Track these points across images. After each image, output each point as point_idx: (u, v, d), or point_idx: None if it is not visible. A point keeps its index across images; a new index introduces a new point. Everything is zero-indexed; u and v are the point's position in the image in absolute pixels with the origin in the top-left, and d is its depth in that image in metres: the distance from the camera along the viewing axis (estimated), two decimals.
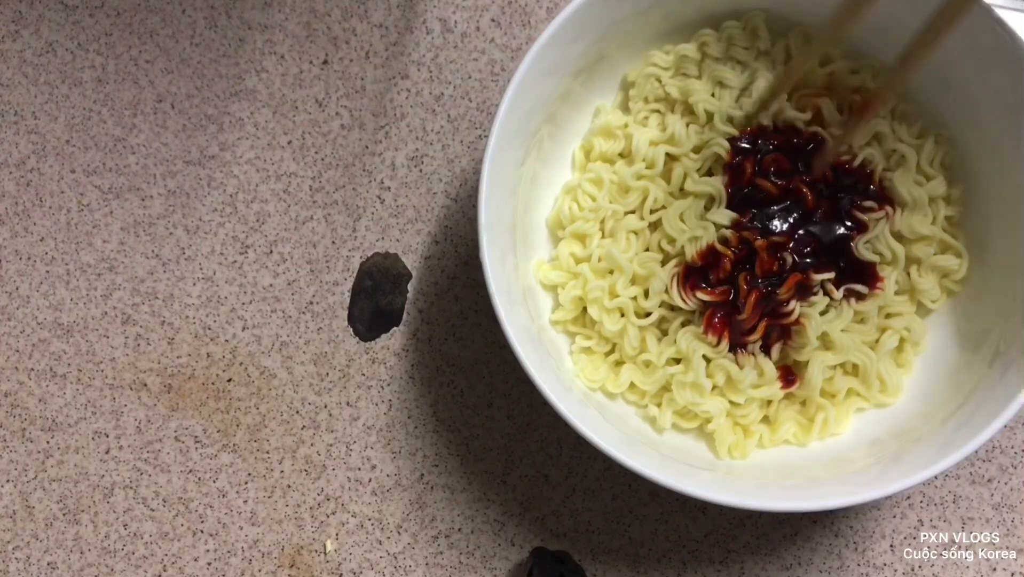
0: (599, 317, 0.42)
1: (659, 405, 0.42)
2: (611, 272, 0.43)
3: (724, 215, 0.41)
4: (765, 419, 0.43)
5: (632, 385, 0.43)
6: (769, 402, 0.42)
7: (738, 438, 0.42)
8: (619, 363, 0.43)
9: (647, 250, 0.43)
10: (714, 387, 0.42)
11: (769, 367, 0.41)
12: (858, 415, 0.42)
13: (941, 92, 0.41)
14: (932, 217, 0.42)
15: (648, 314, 0.42)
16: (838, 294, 0.41)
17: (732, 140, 0.42)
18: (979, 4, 0.37)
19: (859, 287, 0.41)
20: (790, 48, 0.43)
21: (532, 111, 0.41)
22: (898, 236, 0.42)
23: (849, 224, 0.42)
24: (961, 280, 0.42)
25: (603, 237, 0.44)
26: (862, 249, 0.41)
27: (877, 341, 0.42)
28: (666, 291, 0.42)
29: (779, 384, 0.42)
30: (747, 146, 0.42)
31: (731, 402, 0.42)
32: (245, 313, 0.48)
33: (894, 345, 0.42)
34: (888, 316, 0.42)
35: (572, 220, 0.44)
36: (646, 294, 0.42)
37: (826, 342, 0.41)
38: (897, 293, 0.42)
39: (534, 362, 0.38)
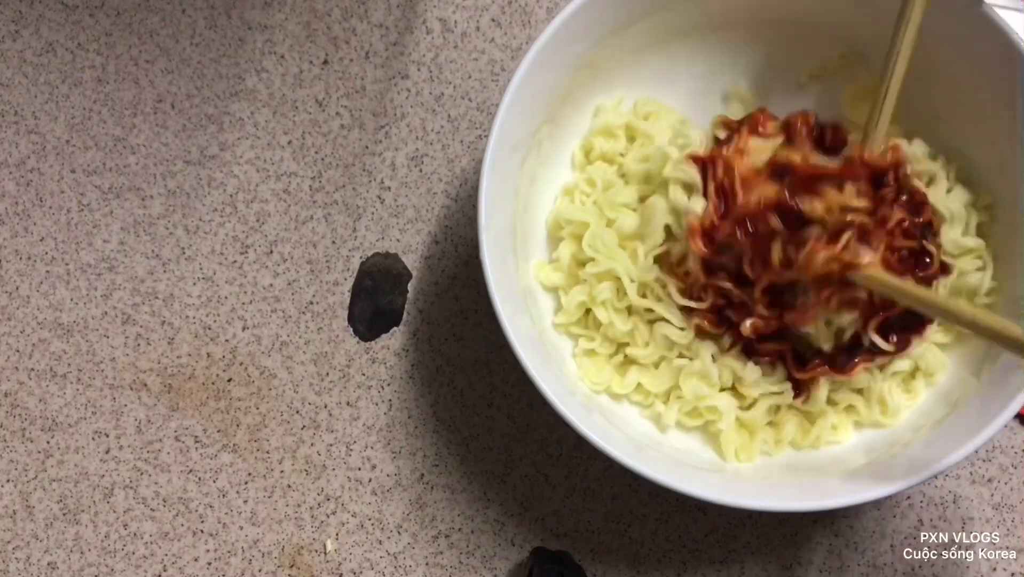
0: (608, 319, 0.41)
1: (666, 403, 0.42)
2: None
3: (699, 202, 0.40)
4: (770, 424, 0.42)
5: (638, 386, 0.42)
6: (778, 408, 0.42)
7: (743, 440, 0.41)
8: (624, 365, 0.43)
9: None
10: (722, 389, 0.41)
11: (778, 371, 0.41)
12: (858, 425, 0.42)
13: (941, 91, 0.41)
14: (965, 226, 0.40)
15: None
16: (889, 347, 0.39)
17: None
18: (979, 3, 0.37)
19: (909, 336, 0.39)
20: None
21: (532, 111, 0.41)
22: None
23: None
24: (990, 291, 0.40)
25: None
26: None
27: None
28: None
29: (789, 385, 0.41)
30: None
31: (739, 400, 0.41)
32: (245, 313, 0.48)
33: (904, 368, 0.41)
34: None
35: (572, 221, 0.43)
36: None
37: None
38: None
39: (535, 364, 0.38)
